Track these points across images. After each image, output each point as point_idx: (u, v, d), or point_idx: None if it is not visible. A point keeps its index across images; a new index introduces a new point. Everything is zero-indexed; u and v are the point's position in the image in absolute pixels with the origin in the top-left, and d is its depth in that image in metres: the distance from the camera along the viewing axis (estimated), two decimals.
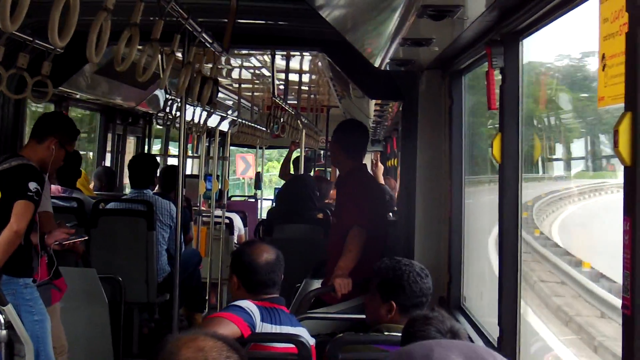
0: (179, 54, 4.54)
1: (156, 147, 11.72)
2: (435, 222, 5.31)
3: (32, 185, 4.70)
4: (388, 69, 5.05)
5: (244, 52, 8.33)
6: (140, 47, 3.50)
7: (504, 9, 3.37)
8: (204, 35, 4.45)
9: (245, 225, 11.36)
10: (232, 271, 3.86)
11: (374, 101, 8.30)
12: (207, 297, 8.62)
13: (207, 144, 13.13)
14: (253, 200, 14.84)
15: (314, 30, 5.43)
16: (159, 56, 4.39)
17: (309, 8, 4.07)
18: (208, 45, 4.68)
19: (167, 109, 7.87)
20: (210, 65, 6.22)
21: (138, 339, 7.20)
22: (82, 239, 5.31)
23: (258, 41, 6.24)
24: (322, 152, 15.69)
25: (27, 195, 4.67)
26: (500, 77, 3.65)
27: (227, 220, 9.72)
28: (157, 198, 7.27)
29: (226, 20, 4.69)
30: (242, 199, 15.59)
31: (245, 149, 18.10)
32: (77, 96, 7.88)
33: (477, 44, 4.06)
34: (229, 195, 14.89)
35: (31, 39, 4.09)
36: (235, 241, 10.59)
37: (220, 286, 9.50)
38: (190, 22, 4.14)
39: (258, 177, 15.67)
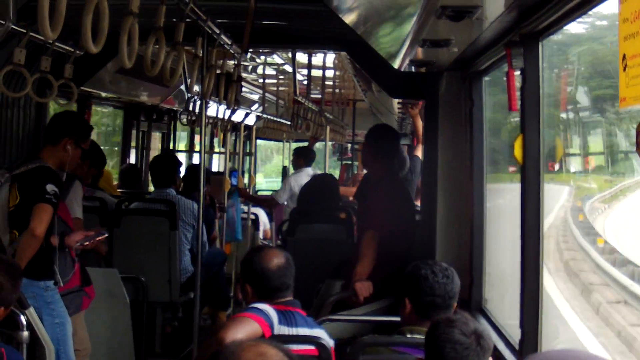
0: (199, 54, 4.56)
1: (182, 143, 11.75)
2: (457, 224, 5.28)
3: (50, 188, 4.69)
4: (408, 70, 5.03)
5: (263, 50, 8.35)
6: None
7: (523, 10, 3.34)
8: (222, 37, 4.46)
9: (271, 220, 11.36)
10: (244, 280, 3.85)
11: None
12: (232, 294, 8.61)
13: (234, 139, 13.14)
14: None
15: (333, 29, 5.42)
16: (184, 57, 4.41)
17: (327, 9, 4.06)
18: (227, 47, 4.69)
19: (191, 107, 7.91)
20: (233, 62, 6.23)
21: (161, 339, 7.22)
22: (103, 236, 5.33)
23: (277, 40, 6.24)
24: (349, 145, 15.65)
25: (45, 198, 4.67)
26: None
27: (252, 216, 9.71)
28: (180, 197, 7.28)
29: (244, 21, 4.69)
30: (269, 193, 15.59)
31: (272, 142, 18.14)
32: (101, 95, 7.93)
33: (496, 45, 4.04)
34: (256, 189, 14.93)
35: (52, 42, 4.10)
36: (261, 236, 10.61)
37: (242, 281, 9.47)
38: (209, 24, 4.15)
39: (285, 171, 15.67)
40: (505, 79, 3.73)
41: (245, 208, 9.86)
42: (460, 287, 3.73)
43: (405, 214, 5.65)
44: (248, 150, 12.92)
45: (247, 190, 9.89)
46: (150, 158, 9.26)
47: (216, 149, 13.16)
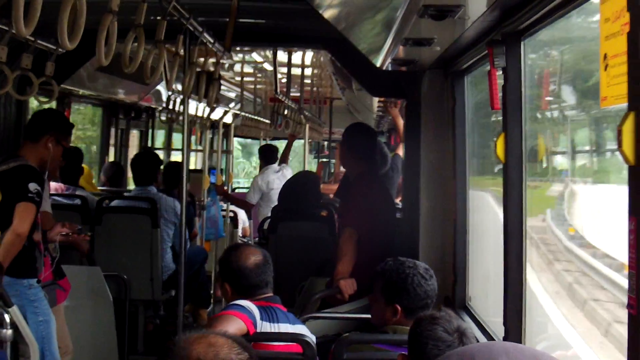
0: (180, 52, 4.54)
1: (160, 140, 11.72)
2: (440, 222, 5.30)
3: (32, 186, 4.67)
4: (390, 68, 5.04)
5: (245, 48, 8.34)
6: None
7: (505, 9, 3.36)
8: (205, 35, 4.45)
9: (249, 217, 11.35)
10: (222, 280, 3.83)
11: None
12: (212, 292, 8.61)
13: (211, 136, 13.14)
14: None
15: (316, 28, 5.43)
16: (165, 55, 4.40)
17: (310, 7, 4.06)
18: (210, 45, 4.68)
19: (171, 105, 7.89)
20: (212, 60, 6.22)
21: (143, 336, 7.21)
22: (86, 235, 5.31)
23: (259, 39, 6.24)
24: (325, 143, 15.74)
25: (28, 196, 4.65)
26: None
27: (231, 214, 9.69)
28: (161, 195, 7.27)
29: (227, 19, 4.69)
30: (246, 190, 15.58)
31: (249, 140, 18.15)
32: (79, 92, 7.89)
33: (478, 44, 4.05)
34: (233, 187, 14.90)
35: (33, 39, 4.08)
36: (240, 234, 10.58)
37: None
38: (191, 22, 4.14)
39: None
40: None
41: (225, 205, 9.84)
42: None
43: (384, 212, 5.65)
44: (226, 149, 12.90)
45: (225, 188, 9.87)
46: (129, 156, 9.25)
47: (193, 147, 13.15)
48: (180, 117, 7.42)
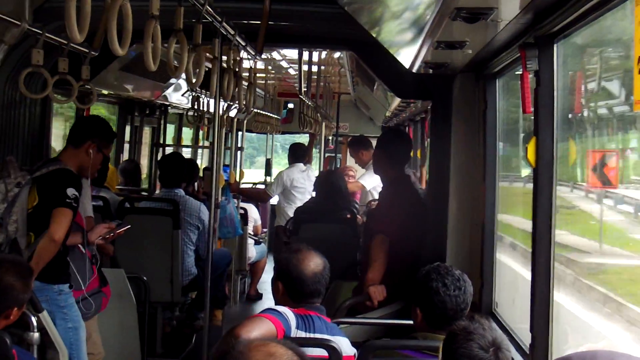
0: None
1: (169, 136, 11.78)
2: (468, 227, 5.27)
3: (70, 192, 4.65)
4: (421, 72, 5.02)
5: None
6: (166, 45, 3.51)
7: (538, 11, 3.33)
8: (237, 38, 4.46)
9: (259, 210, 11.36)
10: (277, 277, 3.83)
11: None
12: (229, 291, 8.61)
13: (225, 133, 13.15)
14: (263, 186, 14.89)
15: (342, 29, 5.43)
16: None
17: (341, 11, 4.06)
18: (242, 48, 4.69)
19: (195, 105, 7.92)
20: (249, 63, 6.24)
21: (161, 338, 7.19)
22: (126, 227, 5.30)
23: (287, 40, 6.25)
24: (331, 138, 15.80)
25: (66, 202, 4.62)
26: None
27: (241, 211, 9.69)
28: (187, 198, 7.26)
29: (257, 22, 4.70)
30: (252, 185, 15.61)
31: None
32: (101, 92, 7.91)
33: (511, 47, 4.02)
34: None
35: (66, 42, 4.09)
36: (250, 231, 10.56)
37: (232, 278, 9.47)
38: (224, 25, 4.15)
39: (268, 163, 15.74)
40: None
41: (235, 202, 9.79)
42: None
43: (416, 218, 5.64)
44: (240, 145, 12.96)
45: (238, 185, 9.87)
46: (142, 152, 9.26)
47: (200, 142, 13.22)
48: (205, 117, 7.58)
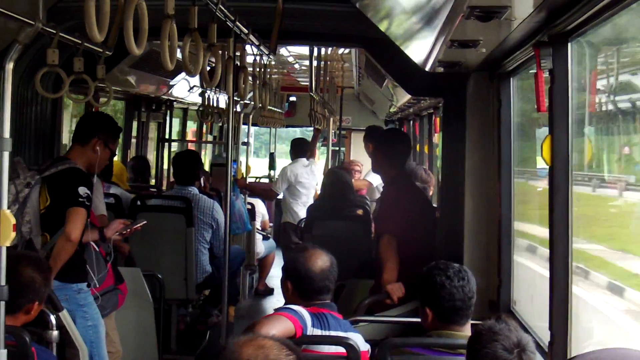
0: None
1: (174, 130, 11.83)
2: (485, 225, 5.26)
3: (82, 190, 4.65)
4: (435, 70, 5.02)
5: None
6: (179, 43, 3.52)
7: (552, 10, 3.32)
8: (251, 37, 4.48)
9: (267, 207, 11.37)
10: (286, 276, 3.87)
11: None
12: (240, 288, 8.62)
13: (221, 125, 13.16)
14: (267, 180, 14.93)
15: (355, 27, 5.44)
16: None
17: (353, 9, 4.06)
18: (255, 47, 4.71)
19: (206, 102, 7.93)
20: (264, 61, 6.25)
21: (176, 335, 7.22)
22: (142, 223, 5.31)
23: (300, 37, 6.27)
24: (333, 132, 15.89)
25: (79, 201, 4.63)
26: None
27: (249, 207, 9.67)
28: (201, 196, 7.23)
29: (269, 21, 4.71)
30: (256, 179, 15.63)
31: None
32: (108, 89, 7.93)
33: (525, 46, 4.02)
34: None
35: (80, 42, 4.10)
36: (258, 227, 10.57)
37: (242, 273, 9.48)
38: (237, 24, 4.17)
39: (272, 157, 15.74)
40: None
41: (242, 198, 9.80)
42: (477, 284, 3.74)
43: (420, 214, 5.65)
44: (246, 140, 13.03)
45: (245, 180, 9.88)
46: (149, 147, 9.26)
47: (204, 138, 13.24)
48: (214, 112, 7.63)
